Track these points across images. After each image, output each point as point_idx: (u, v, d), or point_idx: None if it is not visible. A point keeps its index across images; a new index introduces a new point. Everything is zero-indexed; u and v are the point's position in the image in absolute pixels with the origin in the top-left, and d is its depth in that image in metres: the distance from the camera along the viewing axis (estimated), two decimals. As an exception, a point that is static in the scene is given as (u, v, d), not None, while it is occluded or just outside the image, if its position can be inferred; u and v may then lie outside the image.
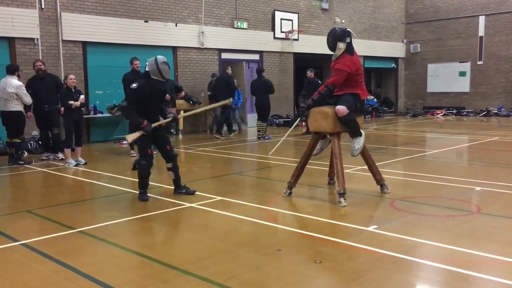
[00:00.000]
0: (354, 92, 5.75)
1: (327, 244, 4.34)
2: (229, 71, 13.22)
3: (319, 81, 13.46)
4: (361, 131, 5.88)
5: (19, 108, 8.91)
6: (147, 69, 5.95)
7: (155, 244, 4.58)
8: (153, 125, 5.96)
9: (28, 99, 8.93)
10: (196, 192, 6.32)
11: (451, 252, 4.08)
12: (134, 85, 5.96)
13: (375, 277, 3.55)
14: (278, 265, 3.82)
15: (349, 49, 5.72)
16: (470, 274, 3.59)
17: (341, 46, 5.67)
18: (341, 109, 5.57)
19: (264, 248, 4.22)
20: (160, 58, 5.95)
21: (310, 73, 13.47)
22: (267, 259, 3.96)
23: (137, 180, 6.10)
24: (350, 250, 4.15)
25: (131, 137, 6.20)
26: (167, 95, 10.52)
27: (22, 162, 9.05)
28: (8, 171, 8.56)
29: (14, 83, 8.80)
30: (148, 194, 6.09)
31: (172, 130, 13.41)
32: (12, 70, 9.01)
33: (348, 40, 5.70)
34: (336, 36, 5.68)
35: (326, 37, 5.81)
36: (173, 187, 6.36)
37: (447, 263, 3.80)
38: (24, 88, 8.91)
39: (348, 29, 5.80)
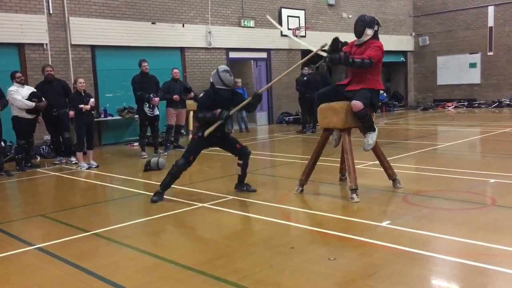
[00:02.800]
0: (371, 88, 5.70)
1: (340, 240, 4.33)
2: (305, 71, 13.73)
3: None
4: (375, 126, 5.85)
5: (15, 113, 8.86)
6: (211, 80, 6.04)
7: (169, 245, 4.59)
8: (231, 112, 5.97)
9: (20, 103, 8.72)
10: (207, 192, 6.34)
11: (466, 246, 4.04)
12: (201, 95, 6.15)
13: (390, 273, 3.53)
14: (291, 263, 3.81)
15: (376, 36, 5.80)
16: (486, 267, 3.56)
17: (369, 32, 5.75)
18: (357, 104, 5.54)
19: (277, 246, 4.22)
20: (221, 67, 6.06)
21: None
22: (281, 257, 3.95)
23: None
24: (364, 246, 4.13)
25: (209, 131, 6.06)
26: (176, 95, 10.67)
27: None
28: (22, 176, 8.64)
29: (9, 89, 8.81)
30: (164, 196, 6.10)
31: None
32: (11, 77, 9.02)
33: (376, 28, 5.78)
34: (366, 22, 5.74)
35: (354, 23, 5.84)
36: (186, 188, 6.38)
37: (463, 257, 3.77)
38: (14, 92, 8.73)
39: (377, 18, 5.86)
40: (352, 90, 5.74)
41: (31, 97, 8.91)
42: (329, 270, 3.64)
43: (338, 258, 3.87)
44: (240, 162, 6.24)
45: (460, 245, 4.08)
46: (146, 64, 10.08)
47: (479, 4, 19.59)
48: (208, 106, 5.92)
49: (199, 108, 6.03)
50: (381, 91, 6.11)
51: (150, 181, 7.33)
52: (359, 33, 5.77)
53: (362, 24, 5.74)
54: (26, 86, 9.17)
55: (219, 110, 5.83)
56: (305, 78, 13.47)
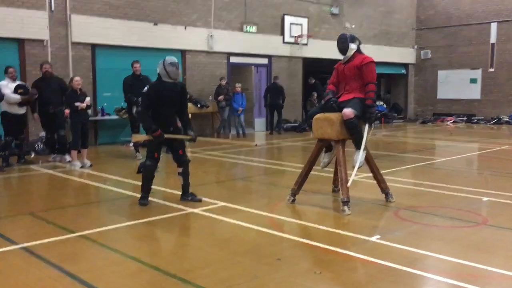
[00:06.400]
0: (362, 97, 5.74)
1: (328, 254, 4.28)
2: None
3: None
4: (365, 146, 5.77)
5: (4, 108, 8.86)
6: (158, 71, 5.90)
7: (155, 250, 4.55)
8: (166, 135, 5.88)
9: (7, 97, 8.65)
10: (200, 197, 6.27)
11: (455, 265, 4.00)
12: (145, 88, 5.93)
13: (376, 290, 3.49)
14: (277, 275, 3.77)
15: (359, 50, 5.93)
16: (473, 289, 3.52)
17: (353, 46, 5.89)
18: (348, 111, 5.56)
19: (265, 257, 4.17)
20: (168, 59, 5.85)
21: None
22: (267, 268, 3.91)
23: (141, 184, 6.08)
24: (351, 261, 4.09)
25: (138, 137, 6.14)
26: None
27: None
28: (14, 172, 8.58)
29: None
30: (149, 199, 6.07)
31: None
32: (4, 71, 9.04)
33: (357, 42, 5.93)
34: (347, 38, 5.89)
35: (336, 41, 5.98)
36: (177, 192, 6.33)
37: (451, 277, 3.73)
38: (4, 86, 8.68)
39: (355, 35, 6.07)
40: (344, 101, 5.77)
41: (16, 89, 8.86)
42: (314, 284, 3.59)
43: (324, 272, 3.82)
44: (180, 170, 6.16)
45: (449, 264, 4.03)
46: (138, 65, 9.92)
47: (482, 21, 19.62)
48: (156, 100, 5.83)
49: (142, 100, 5.92)
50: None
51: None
52: (344, 50, 5.89)
53: (344, 41, 5.87)
54: (17, 82, 9.11)
55: (159, 132, 5.79)
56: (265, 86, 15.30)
